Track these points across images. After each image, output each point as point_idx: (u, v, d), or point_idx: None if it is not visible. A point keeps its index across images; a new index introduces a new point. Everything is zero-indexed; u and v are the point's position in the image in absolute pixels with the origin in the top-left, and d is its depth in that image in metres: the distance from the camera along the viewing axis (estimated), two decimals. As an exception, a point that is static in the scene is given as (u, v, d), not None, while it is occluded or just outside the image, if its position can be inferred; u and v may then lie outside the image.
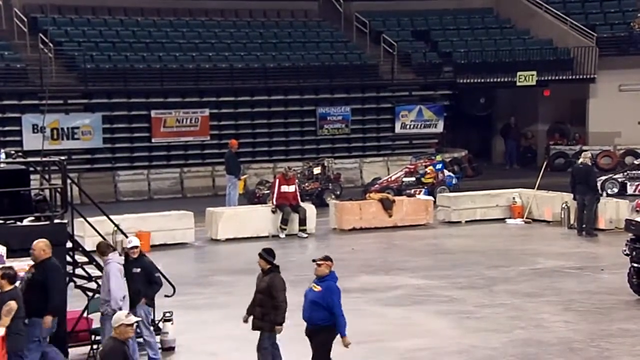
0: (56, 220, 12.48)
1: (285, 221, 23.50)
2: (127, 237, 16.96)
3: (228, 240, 22.99)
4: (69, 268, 13.56)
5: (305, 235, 23.56)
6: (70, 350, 13.03)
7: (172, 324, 14.12)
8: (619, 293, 16.96)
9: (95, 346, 13.72)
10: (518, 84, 35.51)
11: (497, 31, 38.17)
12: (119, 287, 12.51)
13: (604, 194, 24.11)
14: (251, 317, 12.30)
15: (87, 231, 17.01)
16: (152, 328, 13.48)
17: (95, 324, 14.17)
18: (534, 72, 35.34)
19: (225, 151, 28.14)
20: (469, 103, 37.68)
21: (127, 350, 9.54)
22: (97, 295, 14.17)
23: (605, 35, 36.87)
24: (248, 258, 21.20)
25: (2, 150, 15.25)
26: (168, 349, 14.01)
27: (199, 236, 23.07)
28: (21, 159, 14.31)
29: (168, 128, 31.76)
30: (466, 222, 25.09)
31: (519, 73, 35.26)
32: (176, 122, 31.85)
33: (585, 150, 26.91)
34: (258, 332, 12.41)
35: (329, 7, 37.83)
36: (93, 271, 14.13)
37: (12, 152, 15.25)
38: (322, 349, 11.66)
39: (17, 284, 11.36)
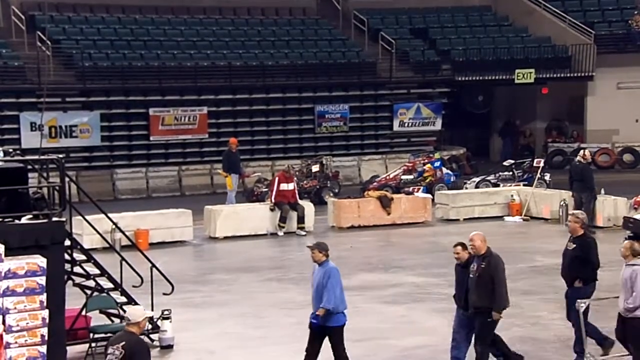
0: (54, 219, 12.46)
1: (283, 219, 23.51)
2: (125, 235, 17.01)
3: (226, 238, 22.99)
4: (67, 266, 13.57)
5: (304, 233, 23.57)
6: (68, 348, 13.03)
7: (170, 321, 14.13)
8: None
9: (93, 344, 13.75)
10: (516, 81, 35.53)
11: (495, 29, 38.19)
12: None
13: (602, 191, 24.20)
14: None
15: (86, 229, 17.04)
16: None
17: (94, 322, 14.20)
18: (532, 70, 35.37)
19: (225, 149, 28.15)
20: (467, 101, 37.72)
21: None
22: (95, 293, 14.21)
23: (604, 32, 36.89)
24: (246, 256, 21.29)
25: (0, 149, 15.26)
26: (166, 347, 14.02)
27: (197, 234, 23.07)
28: (19, 157, 14.29)
29: (166, 126, 31.76)
30: (464, 219, 25.10)
31: (517, 71, 35.28)
32: (174, 120, 31.85)
33: (584, 148, 26.98)
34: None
35: (327, 5, 37.84)
36: (91, 269, 14.15)
37: (10, 150, 15.25)
38: None
39: None
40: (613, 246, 18.82)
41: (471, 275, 12.30)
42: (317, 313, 11.92)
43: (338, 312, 11.91)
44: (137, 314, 9.59)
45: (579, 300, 12.78)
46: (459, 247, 12.69)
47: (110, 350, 9.43)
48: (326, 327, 12.01)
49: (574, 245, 13.27)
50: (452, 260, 19.78)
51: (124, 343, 9.35)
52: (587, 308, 12.92)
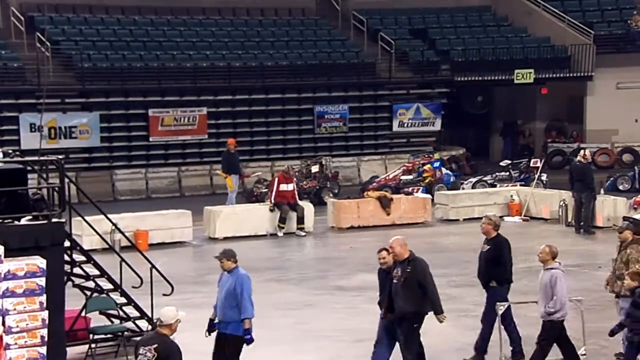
0: (54, 220, 12.47)
1: (283, 219, 23.52)
2: (125, 236, 17.00)
3: (226, 238, 22.99)
4: (67, 267, 13.57)
5: (304, 234, 23.58)
6: (68, 349, 13.03)
7: (170, 322, 14.11)
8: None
9: (93, 345, 13.75)
10: (515, 81, 35.54)
11: (495, 29, 38.19)
12: None
13: (602, 191, 24.25)
14: None
15: (85, 230, 17.01)
16: None
17: (94, 323, 14.20)
18: (532, 70, 35.37)
19: (224, 150, 28.17)
20: (466, 101, 37.72)
21: None
22: (95, 294, 14.21)
23: (603, 33, 36.89)
24: (246, 257, 21.20)
25: (0, 150, 15.25)
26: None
27: (197, 235, 23.08)
28: (19, 158, 14.29)
29: (166, 127, 31.76)
30: (464, 219, 25.11)
31: (516, 71, 35.28)
32: (174, 120, 31.85)
33: (583, 148, 27.00)
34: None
35: (326, 5, 37.83)
36: (91, 270, 14.15)
37: (10, 151, 15.24)
38: None
39: None
40: (613, 246, 18.86)
41: (395, 281, 12.03)
42: (245, 327, 11.66)
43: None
44: (169, 315, 9.53)
45: (498, 303, 12.80)
46: (384, 252, 12.36)
47: (141, 351, 9.39)
48: (226, 335, 11.79)
49: (488, 247, 13.34)
50: (452, 260, 19.83)
51: (156, 345, 9.29)
52: (509, 310, 13.05)
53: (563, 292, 12.27)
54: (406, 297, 11.88)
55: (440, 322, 12.09)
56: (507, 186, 27.64)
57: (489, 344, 13.36)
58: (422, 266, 12.10)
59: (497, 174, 29.30)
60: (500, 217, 25.01)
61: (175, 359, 9.35)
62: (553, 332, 12.45)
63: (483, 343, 13.40)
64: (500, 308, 12.86)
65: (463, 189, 28.09)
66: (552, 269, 12.37)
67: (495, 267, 13.27)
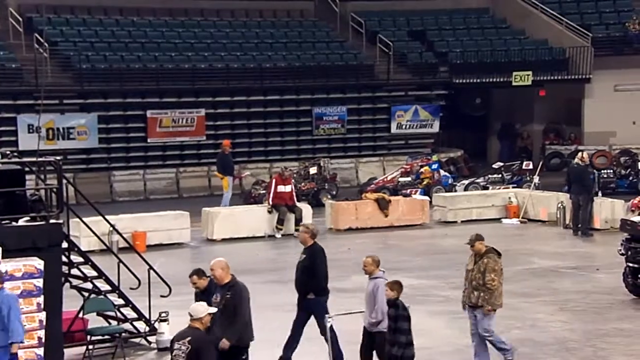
0: (52, 221, 12.48)
1: (281, 221, 23.52)
2: (123, 237, 17.00)
3: (224, 240, 22.99)
4: (65, 268, 13.56)
5: (302, 236, 23.53)
6: (65, 350, 13.03)
7: (168, 324, 14.13)
8: (615, 293, 17.00)
9: (91, 346, 13.74)
10: (514, 84, 35.55)
11: (493, 31, 38.21)
12: None
13: (599, 193, 24.24)
14: None
15: (83, 231, 17.02)
16: None
17: (91, 324, 14.19)
18: (530, 72, 35.38)
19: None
20: (464, 103, 37.71)
21: None
22: (93, 296, 14.20)
23: (601, 35, 36.91)
24: (244, 258, 21.25)
25: (-2, 151, 15.25)
26: (164, 349, 13.99)
27: (194, 236, 23.07)
28: (16, 159, 14.29)
29: (164, 128, 31.75)
30: (462, 222, 25.10)
31: (514, 73, 35.29)
32: (172, 122, 31.84)
33: (581, 150, 27.01)
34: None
35: (324, 7, 37.82)
36: (89, 271, 14.14)
37: (8, 152, 15.24)
38: None
39: None
40: (610, 248, 18.90)
41: (214, 306, 11.04)
42: (12, 351, 10.87)
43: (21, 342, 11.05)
44: (199, 310, 9.76)
45: (327, 316, 12.58)
46: (195, 277, 11.73)
47: (176, 346, 9.62)
48: None
49: (304, 256, 13.18)
50: (450, 262, 19.80)
51: (189, 338, 9.55)
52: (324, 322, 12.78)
53: (384, 301, 12.03)
54: (223, 324, 10.90)
55: (220, 347, 10.81)
56: (499, 188, 27.66)
57: (293, 352, 13.17)
58: (240, 292, 11.13)
59: (489, 176, 29.30)
60: (499, 219, 25.27)
61: (208, 351, 9.61)
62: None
63: (288, 352, 13.19)
64: (329, 321, 12.58)
65: (455, 190, 28.11)
66: (376, 278, 12.26)
67: (311, 277, 13.04)
